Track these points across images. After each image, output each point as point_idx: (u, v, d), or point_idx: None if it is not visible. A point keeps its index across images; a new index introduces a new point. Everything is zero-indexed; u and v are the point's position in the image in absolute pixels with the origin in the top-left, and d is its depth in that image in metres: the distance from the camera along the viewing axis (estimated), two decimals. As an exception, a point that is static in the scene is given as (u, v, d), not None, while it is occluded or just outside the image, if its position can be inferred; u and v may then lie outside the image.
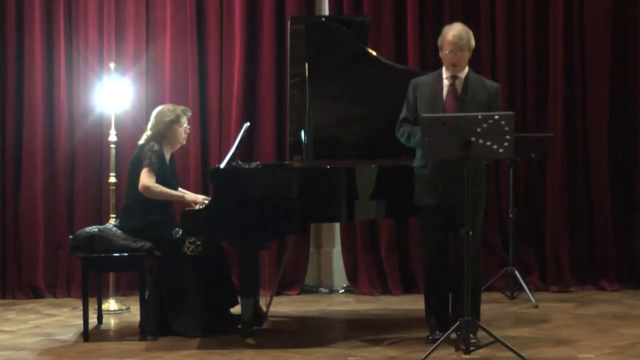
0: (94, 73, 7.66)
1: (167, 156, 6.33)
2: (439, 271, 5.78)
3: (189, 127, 6.43)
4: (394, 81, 6.26)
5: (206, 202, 6.09)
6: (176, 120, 6.32)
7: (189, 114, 6.46)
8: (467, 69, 5.72)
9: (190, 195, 6.29)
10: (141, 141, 6.32)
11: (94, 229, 6.22)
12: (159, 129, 6.30)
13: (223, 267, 6.36)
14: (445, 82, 5.70)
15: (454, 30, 5.66)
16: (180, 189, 6.43)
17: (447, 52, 5.65)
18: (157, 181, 6.16)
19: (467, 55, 5.69)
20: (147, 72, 7.76)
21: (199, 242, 6.05)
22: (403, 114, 5.78)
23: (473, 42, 5.71)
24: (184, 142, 6.46)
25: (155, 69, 7.78)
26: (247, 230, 5.76)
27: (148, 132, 6.33)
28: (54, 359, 5.66)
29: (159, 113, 6.35)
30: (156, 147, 6.21)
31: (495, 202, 7.66)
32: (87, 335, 6.04)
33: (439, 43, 5.73)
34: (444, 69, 5.74)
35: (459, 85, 5.69)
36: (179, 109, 6.39)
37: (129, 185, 6.31)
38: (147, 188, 6.13)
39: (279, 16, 7.74)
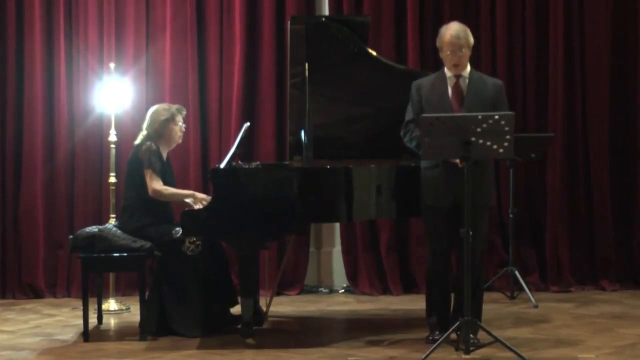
0: (94, 73, 7.66)
1: (164, 155, 6.34)
2: (443, 271, 5.77)
3: (184, 125, 6.44)
4: (394, 81, 6.26)
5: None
6: (171, 119, 6.33)
7: (184, 112, 6.47)
8: (469, 67, 5.71)
9: (200, 194, 6.29)
10: (137, 141, 6.34)
11: (94, 229, 6.22)
12: (154, 128, 6.30)
13: (223, 267, 6.36)
14: (450, 82, 5.69)
15: (451, 30, 5.64)
16: None
17: (447, 52, 5.63)
18: (161, 180, 6.17)
19: (468, 53, 5.67)
20: (147, 72, 7.77)
21: (199, 242, 6.05)
22: (408, 116, 5.75)
23: (472, 39, 5.68)
24: (180, 141, 6.47)
25: (155, 69, 7.78)
26: (247, 230, 5.76)
27: (144, 132, 6.34)
28: (54, 359, 5.66)
29: (154, 112, 6.36)
30: (153, 146, 6.22)
31: (496, 202, 7.64)
32: (87, 335, 6.04)
33: (437, 44, 5.72)
34: (446, 69, 5.73)
35: (463, 84, 5.67)
36: (174, 107, 6.41)
37: (127, 186, 6.32)
38: (157, 192, 6.14)
39: (279, 16, 7.74)
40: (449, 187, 5.58)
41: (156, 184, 6.15)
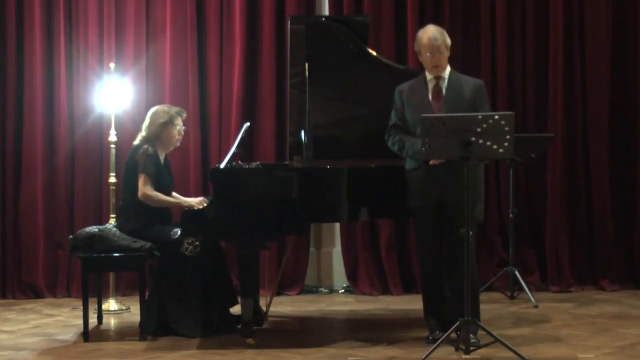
0: (94, 73, 7.66)
1: (162, 157, 6.33)
2: (436, 271, 5.78)
3: (183, 128, 6.43)
4: (394, 81, 6.25)
5: (205, 203, 6.08)
6: (170, 122, 6.32)
7: (184, 115, 6.46)
8: (449, 68, 5.78)
9: (187, 201, 6.27)
10: (136, 141, 6.34)
11: (94, 229, 6.23)
12: (152, 130, 6.30)
13: (223, 267, 6.36)
14: (430, 84, 5.77)
15: (428, 33, 5.74)
16: (174, 193, 6.42)
17: (426, 55, 5.72)
18: (155, 184, 6.16)
19: (446, 54, 5.75)
20: (147, 72, 7.77)
21: (197, 243, 6.04)
22: (392, 121, 5.82)
23: (448, 40, 5.77)
24: (178, 144, 6.45)
25: (155, 69, 7.78)
26: (247, 230, 5.76)
27: (142, 133, 6.34)
28: (54, 359, 5.66)
29: (153, 114, 6.36)
30: (150, 150, 6.21)
31: (496, 202, 7.66)
32: (87, 335, 6.04)
33: (415, 48, 5.83)
34: (426, 72, 5.80)
35: (442, 84, 5.75)
36: (174, 110, 6.39)
37: (124, 187, 6.33)
38: (147, 196, 6.14)
39: (279, 16, 7.74)
40: (434, 185, 5.63)
41: (147, 189, 6.14)
